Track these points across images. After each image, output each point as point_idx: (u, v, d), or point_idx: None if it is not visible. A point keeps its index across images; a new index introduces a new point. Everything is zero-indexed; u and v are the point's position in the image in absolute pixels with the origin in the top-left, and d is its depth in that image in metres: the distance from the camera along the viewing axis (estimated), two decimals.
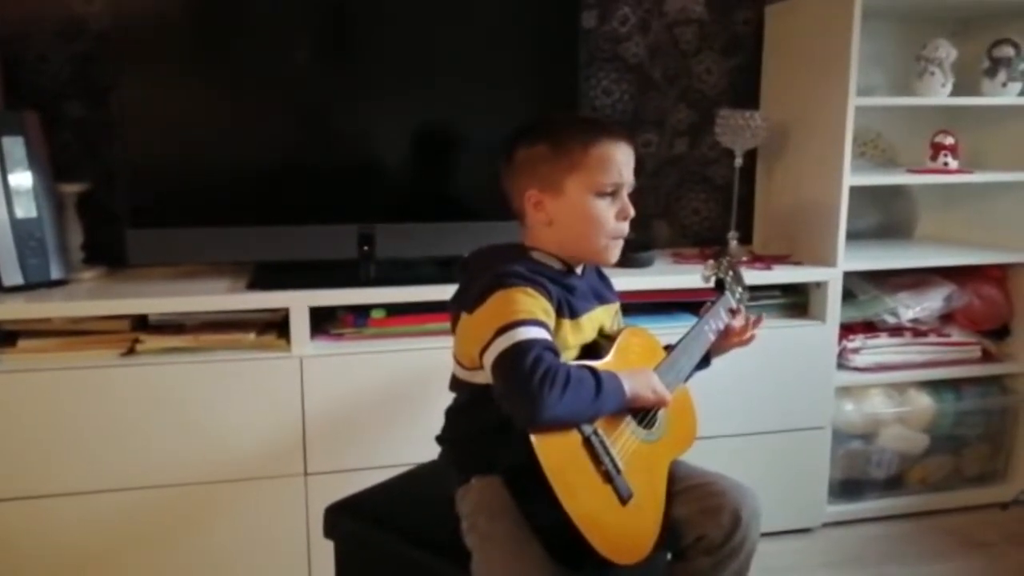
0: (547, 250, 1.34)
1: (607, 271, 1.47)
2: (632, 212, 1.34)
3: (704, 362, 1.50)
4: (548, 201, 1.31)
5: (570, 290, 1.31)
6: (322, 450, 1.93)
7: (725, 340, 1.53)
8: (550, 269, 1.32)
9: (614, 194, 1.32)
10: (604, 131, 1.32)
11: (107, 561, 1.86)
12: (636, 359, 1.35)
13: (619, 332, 1.37)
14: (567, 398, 1.13)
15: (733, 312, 1.55)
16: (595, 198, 1.30)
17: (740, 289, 1.60)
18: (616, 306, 1.45)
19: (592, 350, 1.32)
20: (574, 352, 1.30)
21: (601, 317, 1.37)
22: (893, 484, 2.39)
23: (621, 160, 1.32)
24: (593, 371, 1.19)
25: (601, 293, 1.41)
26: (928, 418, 2.36)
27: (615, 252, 1.35)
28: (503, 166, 1.36)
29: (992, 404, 2.42)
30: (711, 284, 1.61)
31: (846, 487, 2.35)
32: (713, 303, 1.53)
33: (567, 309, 1.28)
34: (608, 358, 1.30)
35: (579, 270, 1.37)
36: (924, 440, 2.37)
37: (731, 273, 1.60)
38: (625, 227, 1.34)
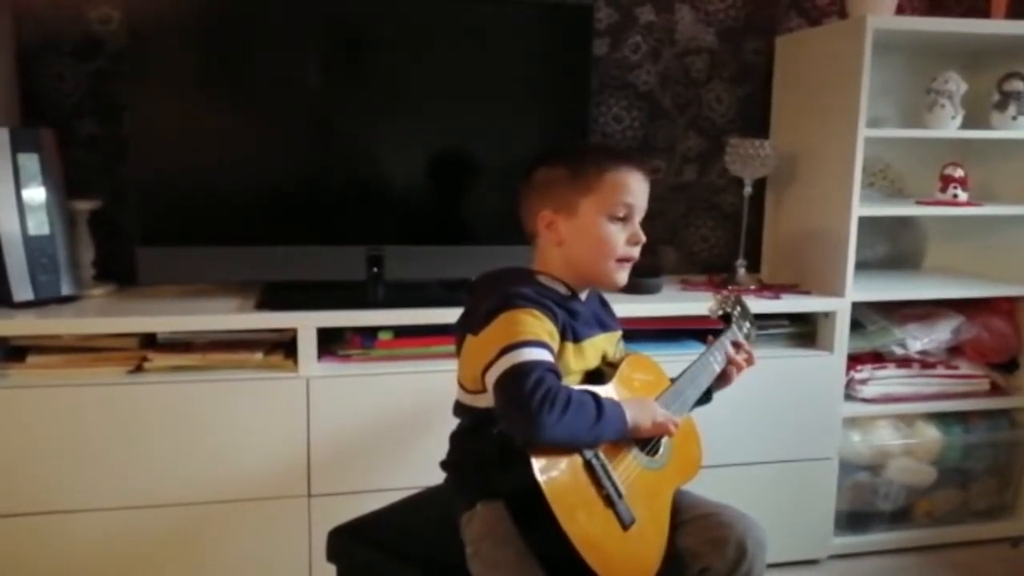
0: (554, 274, 1.35)
1: (610, 299, 1.47)
2: (643, 238, 1.35)
3: (706, 397, 1.49)
4: (561, 222, 1.33)
5: (573, 315, 1.32)
6: (327, 472, 1.92)
7: (727, 374, 1.50)
8: (555, 293, 1.33)
9: (626, 219, 1.34)
10: (621, 158, 1.36)
11: None
12: (640, 387, 1.35)
13: (622, 359, 1.37)
14: (566, 420, 1.13)
15: (737, 346, 1.53)
16: (607, 221, 1.32)
17: (748, 324, 1.59)
18: (618, 335, 1.45)
19: (595, 377, 1.33)
20: (577, 377, 1.30)
21: (603, 344, 1.37)
22: (900, 517, 2.37)
23: (635, 187, 1.34)
24: (595, 396, 1.19)
25: (603, 320, 1.41)
26: (936, 450, 2.35)
27: (622, 276, 1.36)
28: (522, 188, 1.38)
29: (1000, 438, 2.40)
30: (718, 317, 1.60)
31: (852, 519, 2.33)
32: (719, 335, 1.53)
33: (570, 333, 1.29)
34: (610, 385, 1.30)
35: (583, 296, 1.38)
36: (932, 473, 2.36)
37: (738, 308, 1.60)
38: (634, 252, 1.36)
